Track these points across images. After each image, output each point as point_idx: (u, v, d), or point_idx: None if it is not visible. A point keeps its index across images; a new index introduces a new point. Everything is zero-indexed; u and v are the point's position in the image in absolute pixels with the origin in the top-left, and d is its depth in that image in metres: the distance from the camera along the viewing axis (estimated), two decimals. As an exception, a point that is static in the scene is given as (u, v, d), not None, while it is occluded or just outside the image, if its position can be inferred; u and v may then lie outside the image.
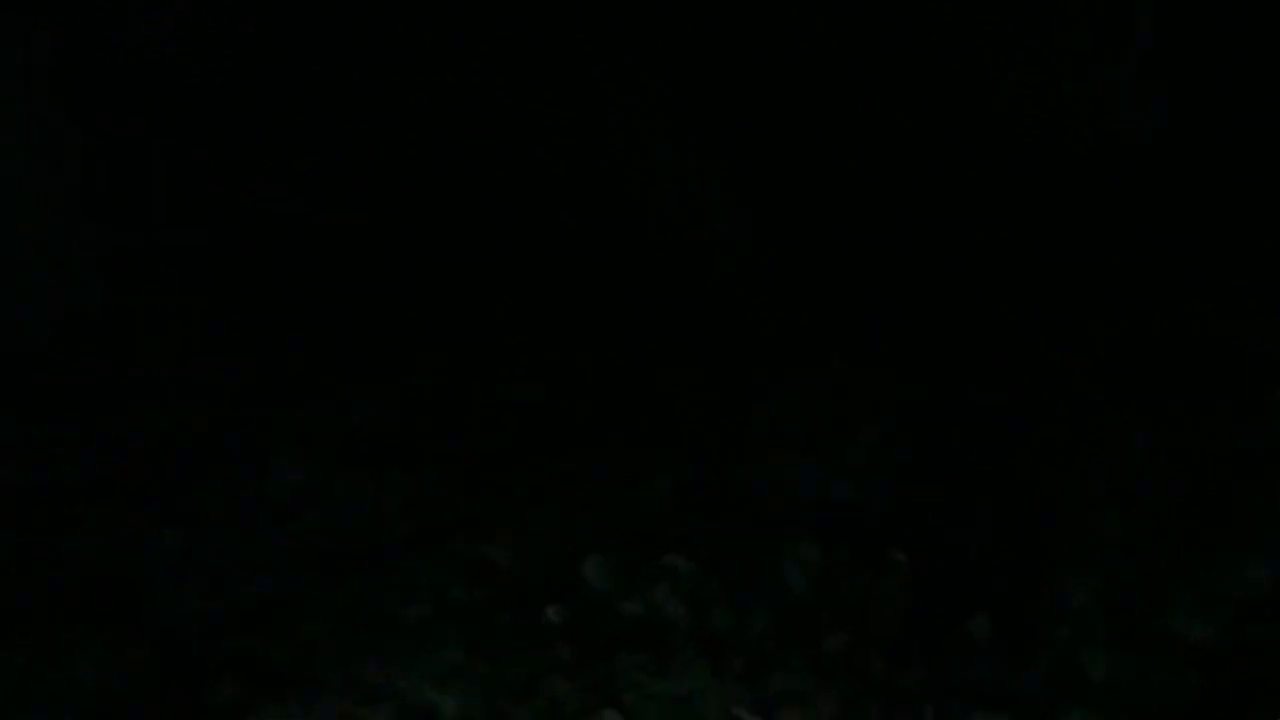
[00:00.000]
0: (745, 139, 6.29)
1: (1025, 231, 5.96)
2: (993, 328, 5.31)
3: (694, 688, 3.76)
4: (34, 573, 4.35)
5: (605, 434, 4.93)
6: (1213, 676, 3.71)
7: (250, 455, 4.87)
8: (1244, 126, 7.33)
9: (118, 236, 5.87)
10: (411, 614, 4.04)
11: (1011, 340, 5.13)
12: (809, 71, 6.93)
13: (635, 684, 3.76)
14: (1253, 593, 3.96)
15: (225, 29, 6.14)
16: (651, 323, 5.78)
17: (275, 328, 5.57)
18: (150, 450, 5.00)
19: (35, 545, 4.48)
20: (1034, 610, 3.99)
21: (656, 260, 6.23)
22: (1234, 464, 4.52)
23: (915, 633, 4.01)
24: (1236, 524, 4.22)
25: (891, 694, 3.85)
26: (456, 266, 6.07)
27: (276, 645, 4.02)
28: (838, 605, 4.09)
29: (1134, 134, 7.67)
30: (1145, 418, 4.79)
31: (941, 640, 3.94)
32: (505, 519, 4.39)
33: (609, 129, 6.66)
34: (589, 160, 6.79)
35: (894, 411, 5.00)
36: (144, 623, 4.14)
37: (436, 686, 3.77)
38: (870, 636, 4.02)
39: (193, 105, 6.14)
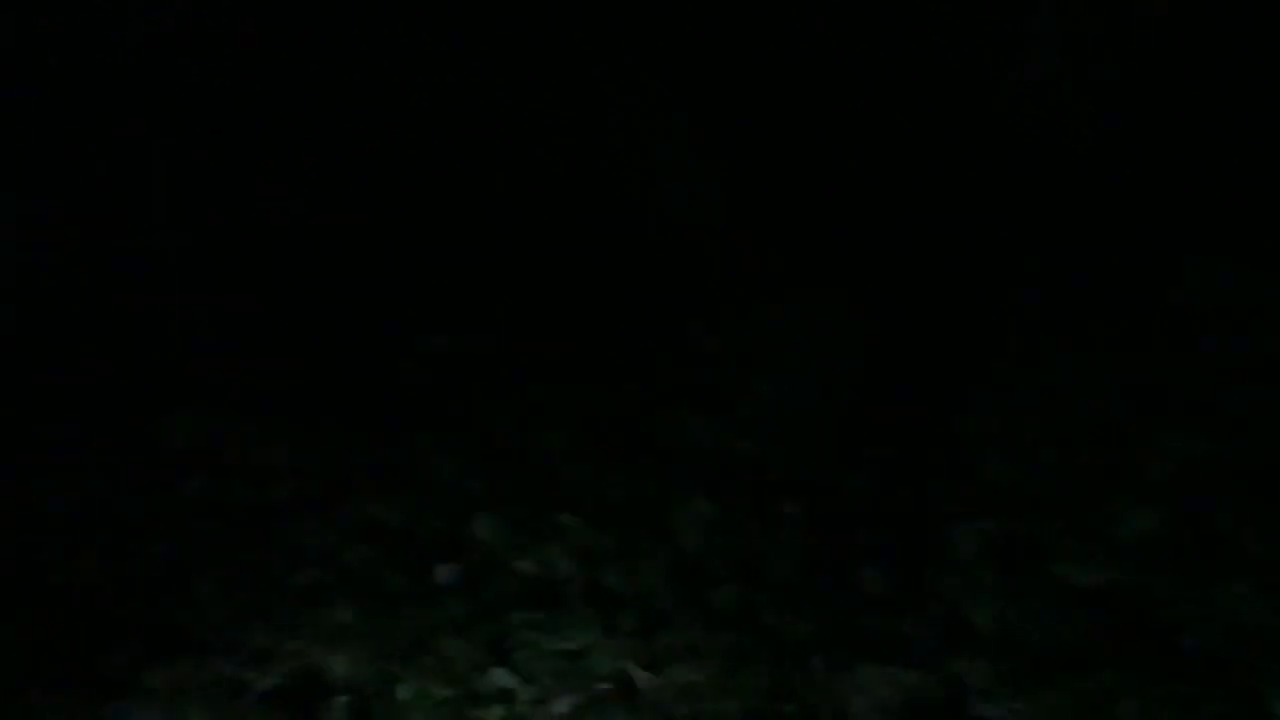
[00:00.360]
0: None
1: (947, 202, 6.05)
2: (891, 285, 5.36)
3: (585, 644, 3.76)
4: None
5: (503, 388, 4.90)
6: (1099, 622, 3.76)
7: (141, 414, 4.80)
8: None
9: (23, 201, 5.79)
10: (300, 575, 4.01)
11: (906, 300, 5.17)
12: (796, 66, 6.96)
13: (527, 642, 3.76)
14: (1138, 538, 4.02)
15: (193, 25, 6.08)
16: (552, 281, 5.76)
17: (168, 288, 5.50)
18: (40, 409, 4.93)
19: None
20: (923, 560, 4.02)
21: (560, 226, 6.24)
22: (1118, 408, 4.57)
23: (806, 584, 4.03)
24: (1121, 469, 4.27)
25: (781, 646, 3.87)
26: (353, 226, 6.04)
27: (166, 609, 3.97)
28: (729, 558, 4.11)
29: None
30: (1035, 366, 4.84)
31: (832, 591, 3.96)
32: (396, 477, 4.36)
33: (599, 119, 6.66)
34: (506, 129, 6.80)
35: (791, 365, 5.04)
36: (34, 587, 4.07)
37: (326, 648, 3.74)
38: (761, 589, 4.04)
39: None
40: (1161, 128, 7.06)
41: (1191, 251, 5.31)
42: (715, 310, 5.51)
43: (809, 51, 7.29)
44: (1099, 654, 3.66)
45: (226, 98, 6.06)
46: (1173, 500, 4.12)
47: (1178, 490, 4.18)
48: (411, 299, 5.56)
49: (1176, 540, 4.00)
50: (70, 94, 5.71)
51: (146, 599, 4.00)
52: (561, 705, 3.65)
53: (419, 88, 6.91)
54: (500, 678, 3.68)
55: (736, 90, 6.40)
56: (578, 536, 4.06)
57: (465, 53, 6.86)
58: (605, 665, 3.71)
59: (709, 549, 4.11)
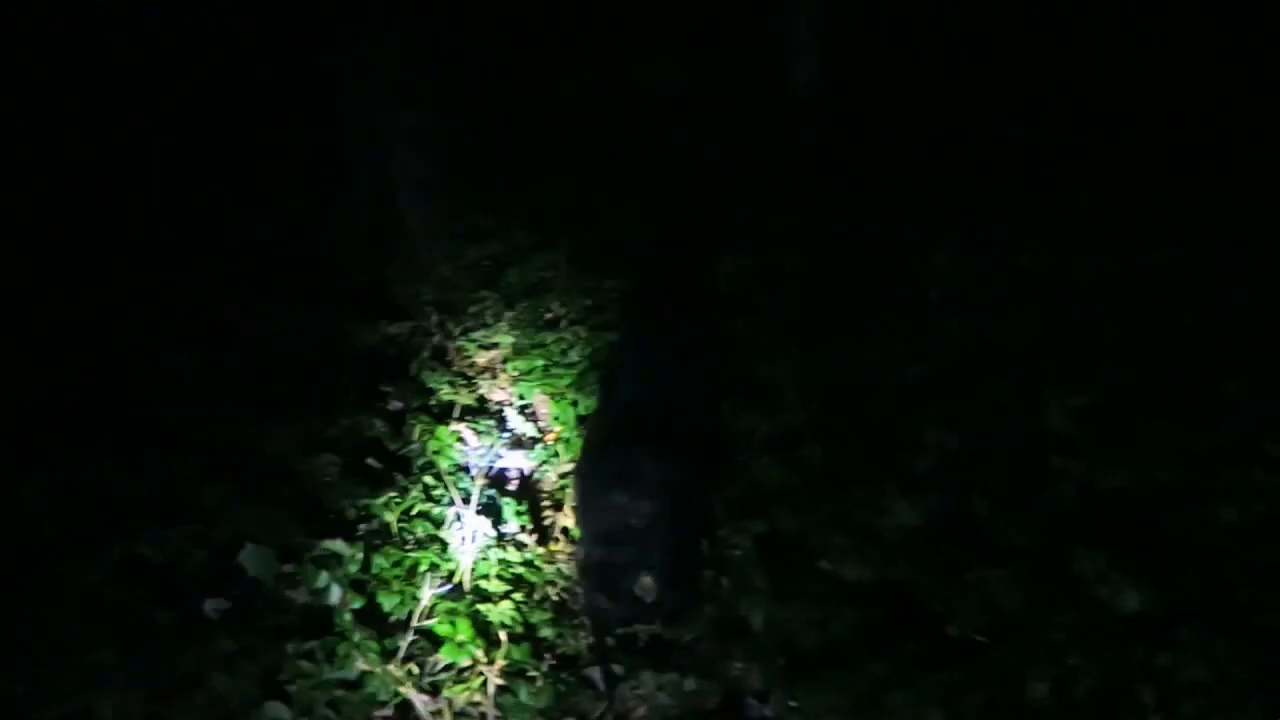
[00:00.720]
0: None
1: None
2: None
3: (362, 672, 3.71)
4: None
5: (264, 409, 4.80)
6: (868, 616, 3.85)
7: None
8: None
9: None
10: (61, 618, 3.85)
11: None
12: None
13: (301, 673, 3.69)
14: (901, 532, 4.13)
15: None
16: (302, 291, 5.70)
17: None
18: None
19: None
20: (698, 565, 4.06)
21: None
22: (879, 402, 4.69)
23: (584, 596, 4.04)
24: (886, 464, 4.38)
25: (560, 659, 3.88)
26: (91, 248, 5.91)
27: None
28: (505, 574, 4.10)
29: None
30: (797, 362, 4.94)
31: (609, 602, 3.98)
32: (160, 509, 4.23)
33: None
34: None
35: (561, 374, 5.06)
36: None
37: (91, 693, 3.61)
38: (538, 603, 4.04)
39: None
40: (911, 117, 7.34)
41: (936, 239, 5.46)
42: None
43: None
44: (869, 648, 3.76)
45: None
46: (935, 493, 4.24)
47: (939, 483, 4.30)
48: (153, 317, 5.42)
49: (939, 532, 4.12)
50: None
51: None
52: (340, 735, 3.62)
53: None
54: (275, 711, 3.61)
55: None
56: (349, 562, 3.99)
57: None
58: (384, 691, 3.67)
59: (484, 565, 4.09)
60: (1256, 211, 5.79)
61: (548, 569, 4.19)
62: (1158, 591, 3.78)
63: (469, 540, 4.12)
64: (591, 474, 4.13)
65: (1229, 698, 3.47)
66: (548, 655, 3.87)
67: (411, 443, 4.63)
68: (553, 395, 4.97)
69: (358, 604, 3.90)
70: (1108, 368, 4.76)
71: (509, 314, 5.55)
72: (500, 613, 3.93)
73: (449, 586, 4.00)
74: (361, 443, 4.62)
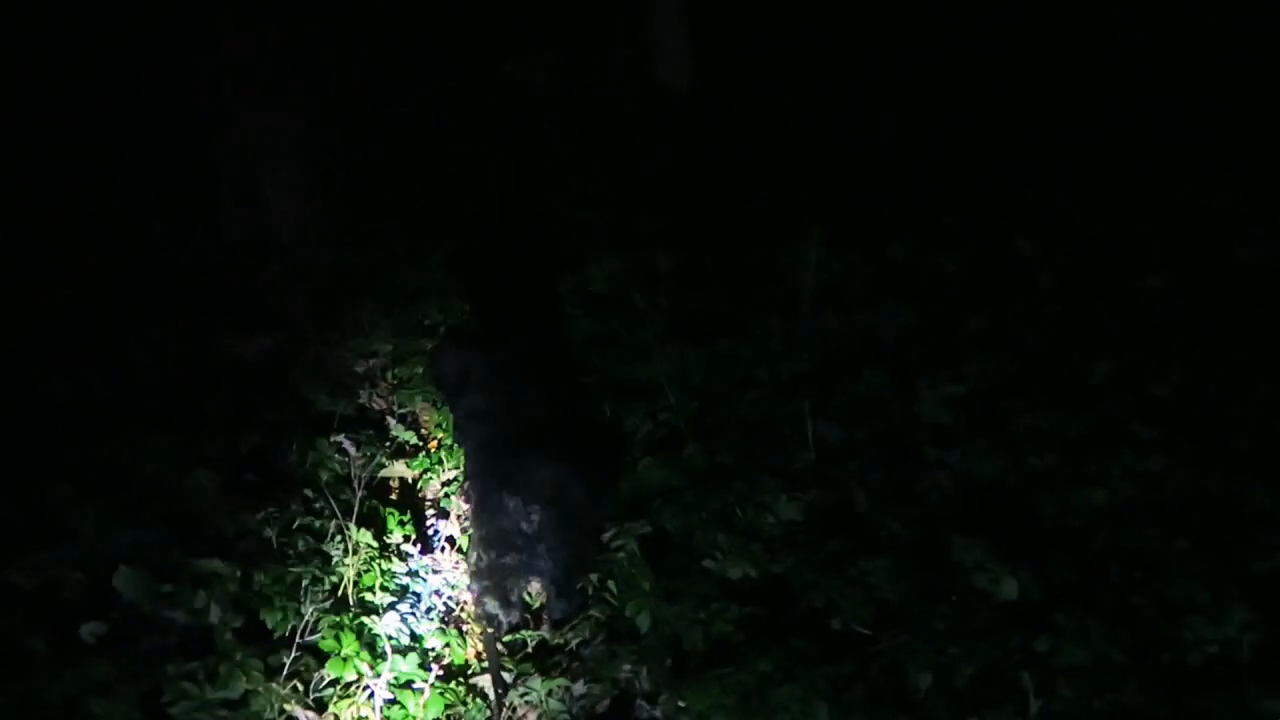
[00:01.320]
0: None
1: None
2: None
3: (247, 690, 3.66)
4: None
5: (140, 428, 4.71)
6: (750, 611, 3.88)
7: None
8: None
9: None
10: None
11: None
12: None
13: (184, 694, 3.62)
14: (783, 527, 4.15)
15: None
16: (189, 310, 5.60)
17: None
18: None
19: None
20: (583, 569, 4.06)
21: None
22: (761, 400, 4.72)
23: (474, 602, 4.02)
24: (765, 462, 4.40)
25: (449, 669, 3.87)
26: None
27: None
28: (389, 586, 4.07)
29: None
30: (672, 360, 4.96)
31: (496, 609, 3.96)
32: (33, 533, 4.13)
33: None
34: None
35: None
36: None
37: (-37, 724, 3.53)
38: (425, 613, 4.02)
39: None
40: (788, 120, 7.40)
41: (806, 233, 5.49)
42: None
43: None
44: (755, 645, 3.78)
45: None
46: (815, 488, 4.27)
47: (819, 478, 4.33)
48: (19, 338, 5.29)
49: (820, 527, 4.15)
50: None
51: None
52: (225, 756, 3.57)
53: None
54: (156, 734, 3.55)
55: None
56: (228, 581, 3.92)
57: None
58: (269, 709, 3.63)
59: (368, 577, 4.06)
60: (1115, 208, 5.90)
61: (433, 578, 4.17)
62: (1034, 577, 3.83)
63: (351, 552, 4.08)
64: (482, 478, 4.09)
65: (1106, 679, 3.53)
66: (435, 666, 3.86)
67: (290, 456, 4.57)
68: (434, 402, 4.94)
69: (238, 622, 3.85)
70: (978, 357, 4.82)
71: (387, 321, 5.51)
72: (385, 625, 3.90)
73: (333, 598, 3.96)
74: (238, 458, 4.56)
